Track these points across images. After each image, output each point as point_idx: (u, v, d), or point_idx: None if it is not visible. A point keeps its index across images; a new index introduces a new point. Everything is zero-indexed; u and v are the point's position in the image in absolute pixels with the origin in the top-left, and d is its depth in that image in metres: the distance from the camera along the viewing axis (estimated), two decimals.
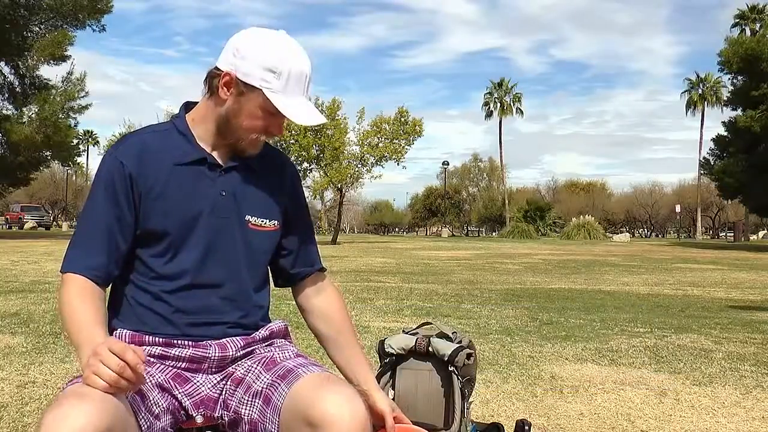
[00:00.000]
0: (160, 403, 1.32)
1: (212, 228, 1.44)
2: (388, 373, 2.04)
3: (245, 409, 1.37)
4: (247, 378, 1.41)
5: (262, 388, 1.37)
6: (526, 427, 2.21)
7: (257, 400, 1.36)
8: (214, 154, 1.47)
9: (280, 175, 1.57)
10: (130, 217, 1.40)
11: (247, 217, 1.48)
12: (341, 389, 1.28)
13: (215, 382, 1.43)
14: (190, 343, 1.41)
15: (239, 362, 1.46)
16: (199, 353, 1.42)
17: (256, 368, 1.42)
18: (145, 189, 1.40)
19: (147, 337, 1.41)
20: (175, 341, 1.41)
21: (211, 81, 1.43)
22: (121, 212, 1.40)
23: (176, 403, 1.37)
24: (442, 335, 2.11)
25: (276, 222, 1.53)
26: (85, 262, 1.38)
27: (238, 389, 1.41)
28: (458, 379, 1.98)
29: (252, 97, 1.40)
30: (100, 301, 1.37)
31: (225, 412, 1.41)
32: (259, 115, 1.41)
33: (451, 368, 1.99)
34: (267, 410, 1.33)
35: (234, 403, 1.40)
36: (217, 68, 1.42)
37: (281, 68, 1.38)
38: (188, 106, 1.52)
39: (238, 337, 1.46)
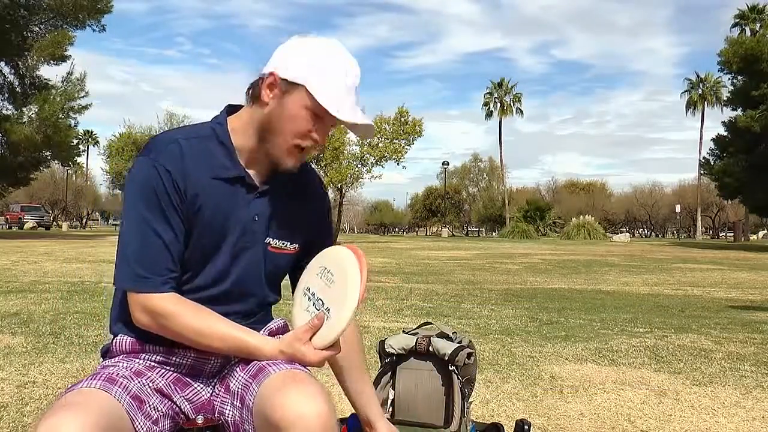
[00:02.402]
0: (158, 408, 1.31)
1: (236, 250, 1.41)
2: (389, 373, 2.04)
3: (229, 410, 1.36)
4: (228, 379, 1.41)
5: (238, 388, 1.35)
6: (526, 427, 2.21)
7: (236, 401, 1.34)
8: (251, 171, 1.41)
9: (312, 198, 1.53)
10: (186, 225, 1.36)
11: (268, 240, 1.45)
12: (304, 387, 1.22)
13: (212, 386, 1.43)
14: (192, 354, 1.40)
15: (230, 365, 1.45)
16: (201, 361, 1.42)
17: (235, 369, 1.40)
18: (187, 199, 1.35)
19: (148, 345, 1.40)
20: (176, 350, 1.40)
21: (254, 87, 1.38)
22: (181, 221, 1.35)
23: (176, 408, 1.36)
24: (442, 335, 2.11)
25: (297, 246, 1.49)
26: (164, 278, 1.33)
27: (223, 393, 1.40)
28: (458, 378, 1.98)
29: (296, 95, 1.33)
30: (204, 308, 1.36)
31: (219, 416, 1.40)
32: (302, 116, 1.34)
33: (451, 368, 1.99)
34: (243, 411, 1.31)
35: (218, 405, 1.39)
36: (262, 74, 1.37)
37: (326, 65, 1.33)
38: (230, 110, 1.45)
39: None
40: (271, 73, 1.35)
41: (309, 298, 1.36)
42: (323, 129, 1.37)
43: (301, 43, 1.38)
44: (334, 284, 1.32)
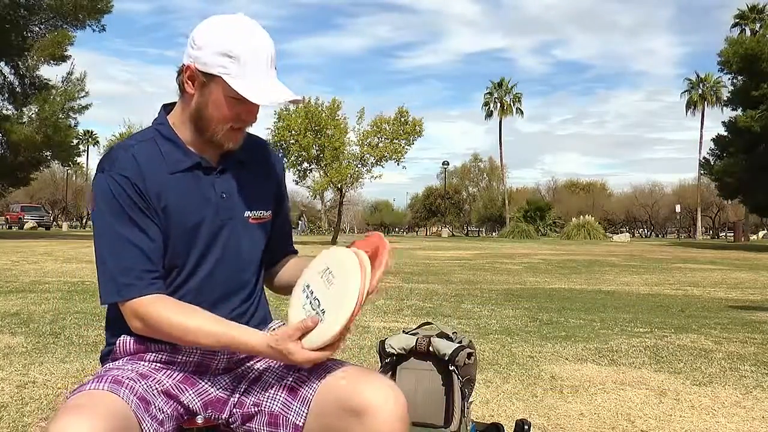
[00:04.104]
0: (164, 410, 1.32)
1: (216, 233, 1.44)
2: (389, 373, 2.05)
3: (265, 402, 1.37)
4: (265, 376, 1.42)
5: (287, 382, 1.37)
6: (526, 427, 2.21)
7: (281, 393, 1.36)
8: (205, 155, 1.45)
9: (270, 164, 1.58)
10: (158, 222, 1.38)
11: (247, 213, 1.49)
12: (381, 378, 1.32)
13: (225, 383, 1.43)
14: (197, 350, 1.41)
15: (249, 364, 1.46)
16: (207, 358, 1.42)
17: (274, 366, 1.42)
18: (152, 201, 1.38)
19: (152, 344, 1.41)
20: (182, 348, 1.41)
21: (178, 79, 1.42)
22: (150, 221, 1.37)
23: (181, 409, 1.37)
24: (442, 335, 2.11)
25: (270, 211, 1.55)
26: (146, 281, 1.35)
27: (254, 387, 1.41)
28: (458, 378, 1.98)
29: (214, 86, 1.36)
30: (190, 305, 1.37)
31: (237, 410, 1.40)
32: (225, 104, 1.37)
33: (451, 368, 1.99)
34: (293, 402, 1.34)
35: (250, 400, 1.40)
36: (180, 67, 1.41)
37: (237, 51, 1.34)
38: (167, 108, 1.48)
39: None
40: (188, 66, 1.38)
41: (307, 296, 1.35)
42: (251, 109, 1.40)
43: (210, 28, 1.37)
44: (333, 287, 1.31)
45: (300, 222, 48.05)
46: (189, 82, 1.39)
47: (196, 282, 1.43)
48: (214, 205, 1.44)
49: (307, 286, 1.36)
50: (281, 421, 1.34)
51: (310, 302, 1.33)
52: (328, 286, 1.32)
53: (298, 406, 1.33)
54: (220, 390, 1.42)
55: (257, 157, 1.55)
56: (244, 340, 1.32)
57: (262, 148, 1.59)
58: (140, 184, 1.36)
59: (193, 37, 1.37)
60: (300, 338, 1.28)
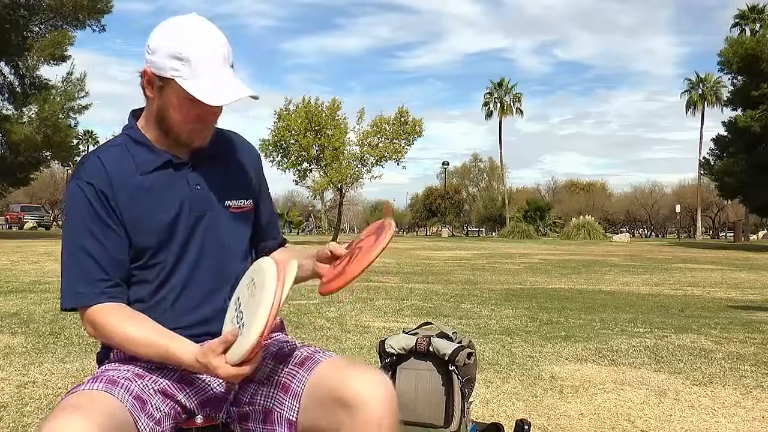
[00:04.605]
0: (161, 408, 1.32)
1: (194, 225, 1.44)
2: (389, 373, 2.05)
3: (259, 399, 1.38)
4: (259, 373, 1.41)
5: (278, 377, 1.38)
6: (526, 427, 2.21)
7: (273, 390, 1.37)
8: (176, 152, 1.46)
9: (244, 154, 1.58)
10: (120, 231, 1.39)
11: (227, 203, 1.49)
12: (369, 370, 1.32)
13: (221, 381, 1.43)
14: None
15: None
16: None
17: (266, 362, 1.42)
18: (120, 206, 1.39)
19: None
20: None
21: (141, 83, 1.42)
22: (111, 230, 1.38)
23: (178, 408, 1.37)
24: (442, 335, 2.11)
25: (251, 201, 1.55)
26: (99, 290, 1.37)
27: (249, 385, 1.41)
28: (458, 378, 1.98)
29: (169, 89, 1.37)
30: (140, 315, 1.38)
31: (234, 408, 1.41)
32: (183, 106, 1.37)
33: (451, 368, 1.99)
34: (285, 398, 1.34)
35: (245, 398, 1.40)
36: (140, 71, 1.42)
37: (187, 53, 1.34)
38: (136, 113, 1.50)
39: None
40: (145, 71, 1.39)
41: (236, 308, 1.33)
42: (209, 109, 1.38)
43: (162, 31, 1.38)
44: (254, 298, 1.27)
45: (308, 222, 47.96)
46: (148, 86, 1.40)
47: (181, 276, 1.43)
48: (188, 197, 1.44)
49: (237, 299, 1.34)
50: (275, 418, 1.34)
51: (237, 315, 1.31)
52: (251, 297, 1.29)
53: (290, 401, 1.33)
54: (217, 388, 1.42)
55: (229, 149, 1.56)
56: (177, 353, 1.31)
57: (233, 141, 1.59)
58: (106, 190, 1.38)
59: (148, 41, 1.39)
60: (223, 352, 1.26)
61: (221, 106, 1.39)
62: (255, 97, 1.40)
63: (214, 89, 1.35)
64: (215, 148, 1.50)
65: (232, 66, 1.40)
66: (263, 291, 1.24)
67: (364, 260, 1.35)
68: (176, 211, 1.43)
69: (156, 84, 1.38)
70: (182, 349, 1.31)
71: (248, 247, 1.57)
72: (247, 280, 1.34)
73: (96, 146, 1.53)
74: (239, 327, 1.26)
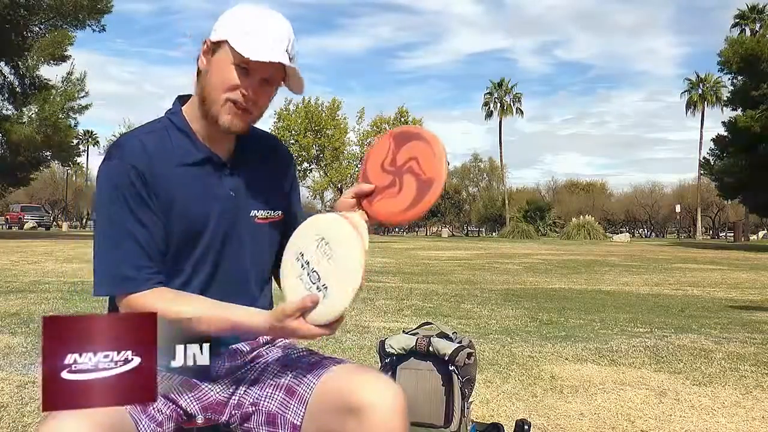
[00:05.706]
0: (163, 411, 1.31)
1: (221, 229, 1.41)
2: (389, 373, 2.05)
3: (263, 402, 1.36)
4: (264, 376, 1.41)
5: (285, 381, 1.36)
6: (526, 427, 2.21)
7: (278, 393, 1.35)
8: (217, 151, 1.41)
9: (282, 161, 1.55)
10: (162, 219, 1.34)
11: (253, 213, 1.45)
12: (378, 375, 1.30)
13: (224, 386, 1.42)
14: None
15: (249, 366, 1.45)
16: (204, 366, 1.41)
17: (272, 367, 1.41)
18: (158, 193, 1.34)
19: None
20: None
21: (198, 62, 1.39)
22: (155, 216, 1.33)
23: (180, 410, 1.36)
24: (442, 335, 2.11)
25: (280, 212, 1.50)
26: (145, 275, 1.32)
27: (252, 388, 1.39)
28: (458, 378, 1.98)
29: (220, 52, 1.34)
30: (186, 293, 1.35)
31: (236, 411, 1.39)
32: (228, 69, 1.33)
33: (451, 368, 1.99)
34: (290, 401, 1.33)
35: (248, 400, 1.39)
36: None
37: (250, 26, 1.32)
38: (182, 100, 1.45)
39: (244, 343, 1.45)
40: (205, 41, 1.37)
41: (303, 266, 1.27)
42: (252, 83, 1.34)
43: (232, 10, 1.37)
44: (333, 260, 1.24)
45: None
46: (203, 58, 1.37)
47: (194, 290, 1.39)
48: (221, 203, 1.40)
49: (302, 255, 1.28)
50: (279, 421, 1.33)
51: (308, 274, 1.26)
52: (327, 259, 1.24)
53: (296, 405, 1.32)
54: (219, 393, 1.41)
55: (269, 155, 1.52)
56: (246, 323, 1.29)
57: (274, 145, 1.55)
58: (147, 173, 1.32)
59: (218, 20, 1.38)
60: (300, 316, 1.24)
61: (260, 91, 1.35)
62: (300, 83, 1.38)
63: (261, 51, 1.30)
64: (255, 150, 1.46)
65: (291, 58, 1.35)
66: (349, 254, 1.22)
67: (434, 165, 1.34)
68: (207, 213, 1.38)
69: (210, 51, 1.35)
70: (249, 317, 1.29)
71: (270, 265, 1.51)
72: (314, 237, 1.27)
73: (129, 130, 1.45)
74: (319, 290, 1.24)
